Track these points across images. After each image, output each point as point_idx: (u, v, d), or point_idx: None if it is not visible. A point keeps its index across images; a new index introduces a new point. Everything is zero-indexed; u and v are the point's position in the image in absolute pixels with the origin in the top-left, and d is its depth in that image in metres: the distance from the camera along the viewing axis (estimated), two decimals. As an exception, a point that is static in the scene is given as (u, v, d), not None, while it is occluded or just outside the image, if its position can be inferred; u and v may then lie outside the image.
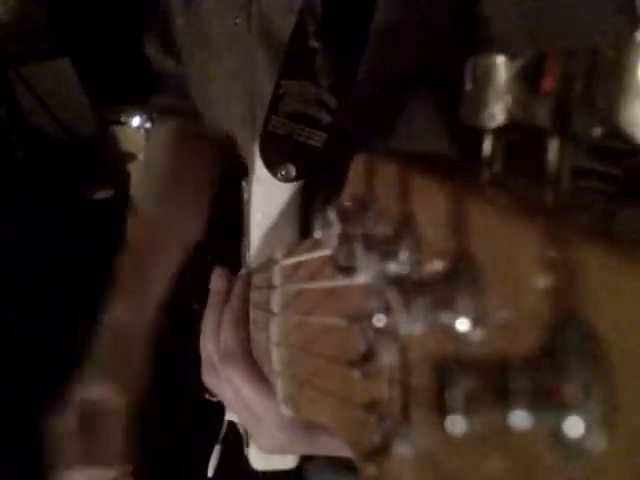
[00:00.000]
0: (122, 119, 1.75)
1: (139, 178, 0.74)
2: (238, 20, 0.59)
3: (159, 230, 0.67)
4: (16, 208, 1.56)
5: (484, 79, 0.17)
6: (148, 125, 1.67)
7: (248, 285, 0.47)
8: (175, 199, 0.70)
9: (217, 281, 0.51)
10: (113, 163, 1.78)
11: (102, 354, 0.61)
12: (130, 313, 0.62)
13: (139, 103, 1.67)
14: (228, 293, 0.48)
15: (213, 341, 0.45)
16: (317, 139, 0.47)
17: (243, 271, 0.55)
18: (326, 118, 0.46)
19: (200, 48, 0.68)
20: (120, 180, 1.75)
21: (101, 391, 0.59)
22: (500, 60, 0.16)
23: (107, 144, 1.77)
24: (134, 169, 1.72)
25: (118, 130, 1.77)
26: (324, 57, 0.47)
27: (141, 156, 1.63)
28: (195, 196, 0.69)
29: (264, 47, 0.57)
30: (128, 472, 0.58)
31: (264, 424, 0.41)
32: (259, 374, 0.41)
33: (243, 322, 0.45)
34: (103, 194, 1.76)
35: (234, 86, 0.63)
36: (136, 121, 1.73)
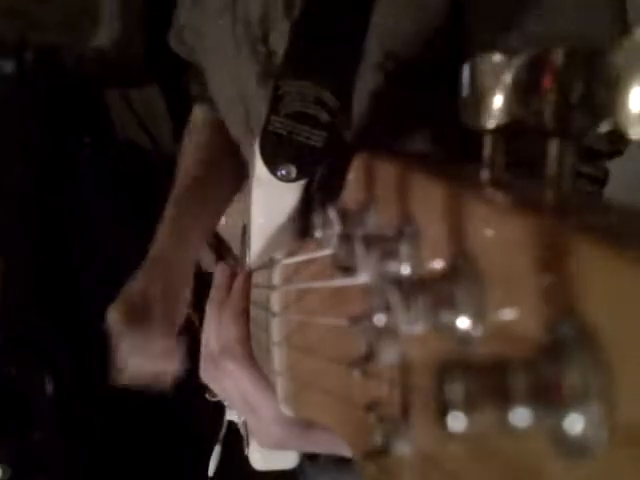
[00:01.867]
0: None
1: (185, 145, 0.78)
2: (221, 22, 0.59)
3: (202, 188, 0.71)
4: (93, 193, 1.59)
5: (484, 79, 0.17)
6: None
7: (249, 281, 0.48)
8: (215, 174, 0.73)
9: (219, 277, 0.52)
10: None
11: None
12: (175, 249, 0.66)
13: None
14: (229, 289, 0.49)
15: (214, 335, 0.46)
16: (317, 139, 0.47)
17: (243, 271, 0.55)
18: (326, 118, 0.46)
19: (198, 48, 0.68)
20: None
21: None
22: (499, 60, 0.16)
23: None
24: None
25: None
26: (324, 57, 0.47)
27: None
28: (226, 179, 0.72)
29: (248, 49, 0.57)
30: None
31: (262, 418, 0.42)
32: (258, 369, 0.42)
33: (243, 317, 0.45)
34: None
35: (226, 87, 0.63)
36: None
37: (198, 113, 0.78)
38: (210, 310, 0.48)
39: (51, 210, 1.57)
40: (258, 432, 0.45)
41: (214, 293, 0.50)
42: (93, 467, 1.50)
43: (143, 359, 0.62)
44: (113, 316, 0.61)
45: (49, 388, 1.46)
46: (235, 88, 0.61)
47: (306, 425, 0.40)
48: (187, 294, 0.65)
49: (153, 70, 1.71)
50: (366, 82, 0.50)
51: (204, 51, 0.67)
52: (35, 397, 1.47)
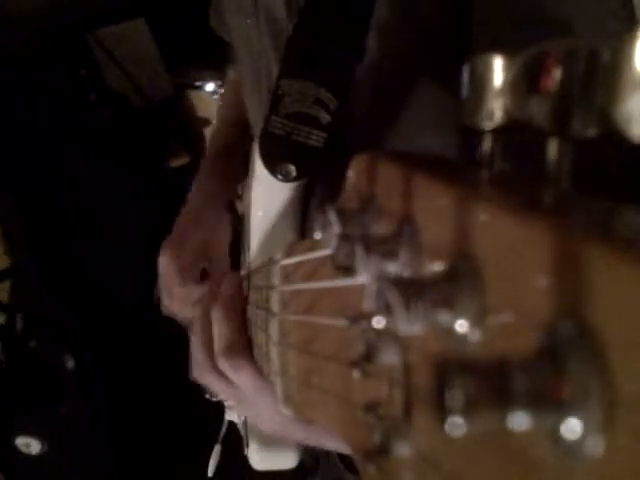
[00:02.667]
0: (197, 84, 1.75)
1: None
2: (249, 20, 0.59)
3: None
4: (95, 170, 1.62)
5: (483, 79, 0.17)
6: (222, 91, 1.70)
7: (237, 280, 0.48)
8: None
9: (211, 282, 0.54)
10: (188, 127, 1.80)
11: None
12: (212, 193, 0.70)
13: (214, 69, 1.68)
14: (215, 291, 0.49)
15: (200, 339, 0.46)
16: (317, 139, 0.47)
17: (243, 271, 0.55)
18: (326, 118, 0.46)
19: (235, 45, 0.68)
20: (195, 145, 1.78)
21: None
22: (499, 60, 0.16)
23: (182, 108, 1.79)
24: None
25: (193, 95, 1.77)
26: (324, 57, 0.47)
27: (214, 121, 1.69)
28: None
29: (274, 46, 0.57)
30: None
31: (264, 413, 0.42)
32: (254, 367, 0.42)
33: (235, 316, 0.45)
34: (179, 162, 1.79)
35: (253, 84, 0.63)
36: (210, 86, 1.73)
37: (231, 73, 0.82)
38: (197, 312, 0.49)
39: (52, 182, 1.58)
40: (260, 420, 0.45)
41: (203, 297, 0.50)
42: (121, 436, 1.53)
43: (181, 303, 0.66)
44: (162, 259, 0.66)
45: (70, 364, 1.50)
46: (259, 84, 0.61)
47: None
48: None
49: (138, 4, 1.67)
50: (366, 82, 0.49)
51: (233, 49, 0.68)
52: (58, 373, 1.51)
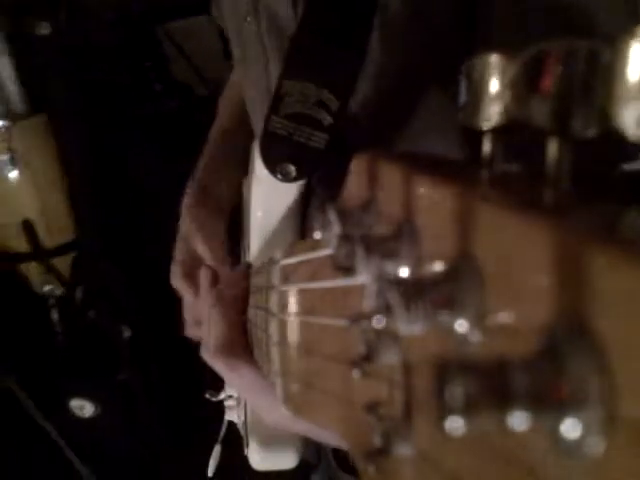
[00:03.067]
0: None
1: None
2: (248, 18, 0.59)
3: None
4: (160, 157, 1.68)
5: (483, 79, 0.17)
6: None
7: (237, 280, 0.48)
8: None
9: (205, 281, 0.54)
10: None
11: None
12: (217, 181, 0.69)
13: None
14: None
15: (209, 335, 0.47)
16: (318, 140, 0.47)
17: (241, 267, 0.55)
18: (327, 119, 0.46)
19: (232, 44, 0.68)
20: None
21: None
22: (499, 60, 0.16)
23: None
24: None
25: None
26: (325, 58, 0.47)
27: None
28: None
29: (275, 46, 0.57)
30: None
31: (264, 403, 0.42)
32: (252, 366, 0.42)
33: (233, 315, 0.45)
34: None
35: (251, 83, 0.63)
36: None
37: (234, 73, 0.82)
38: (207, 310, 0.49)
39: (119, 167, 1.68)
40: (264, 412, 0.45)
41: (205, 293, 0.50)
42: (171, 407, 1.58)
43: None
44: (175, 279, 0.65)
45: (126, 333, 1.58)
46: (259, 83, 0.61)
47: None
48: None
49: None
50: (369, 83, 0.49)
51: (233, 47, 0.68)
52: (115, 342, 1.59)
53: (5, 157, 1.53)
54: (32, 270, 1.66)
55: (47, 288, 1.66)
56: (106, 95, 1.63)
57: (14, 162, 1.54)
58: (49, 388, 1.55)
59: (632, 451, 0.10)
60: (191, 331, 0.65)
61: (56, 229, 1.65)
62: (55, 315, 1.65)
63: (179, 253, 0.66)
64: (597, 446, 0.11)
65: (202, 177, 0.70)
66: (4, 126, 1.52)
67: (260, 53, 0.58)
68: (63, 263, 1.66)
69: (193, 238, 0.65)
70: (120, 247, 1.68)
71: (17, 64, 1.54)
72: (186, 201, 0.68)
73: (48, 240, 1.64)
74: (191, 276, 0.64)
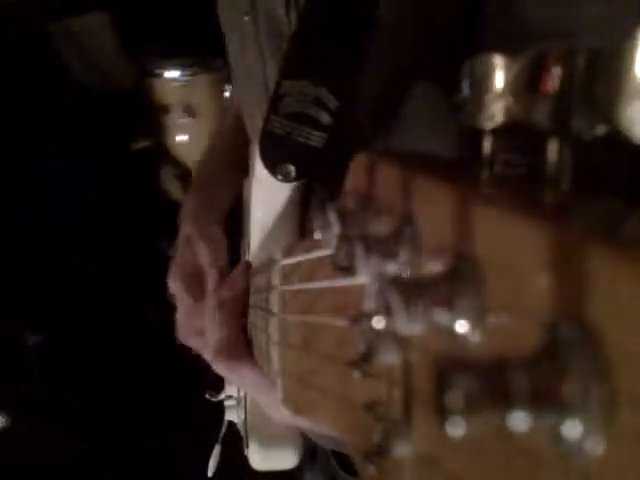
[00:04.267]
0: (159, 72, 1.80)
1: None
2: (246, 18, 0.58)
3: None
4: (60, 155, 1.66)
5: (483, 79, 0.17)
6: (184, 79, 1.77)
7: (240, 280, 0.48)
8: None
9: (212, 281, 0.53)
10: (151, 114, 1.85)
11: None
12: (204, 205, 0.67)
13: (176, 57, 1.75)
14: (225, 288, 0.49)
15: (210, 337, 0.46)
16: (318, 140, 0.47)
17: (240, 266, 0.55)
18: (326, 119, 0.46)
19: (227, 40, 0.68)
20: (157, 131, 1.84)
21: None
22: (499, 60, 0.16)
23: (145, 96, 1.84)
24: (170, 120, 1.82)
25: (155, 82, 1.82)
26: (324, 57, 0.47)
27: (177, 108, 1.77)
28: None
29: (272, 45, 0.57)
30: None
31: (267, 401, 0.42)
32: (253, 367, 0.42)
33: (235, 317, 0.45)
34: (142, 144, 1.84)
35: (249, 82, 0.63)
36: (173, 74, 1.78)
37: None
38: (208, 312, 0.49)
39: (14, 164, 1.63)
40: (269, 408, 0.45)
41: (210, 297, 0.50)
42: (84, 415, 1.53)
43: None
44: (175, 287, 0.64)
45: (32, 339, 1.55)
46: (255, 82, 0.61)
47: None
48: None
49: None
50: (369, 83, 0.49)
51: (229, 44, 0.67)
52: (20, 349, 1.55)
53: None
54: None
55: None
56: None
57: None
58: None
59: (632, 452, 0.10)
60: (190, 341, 0.63)
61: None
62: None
63: (180, 257, 0.66)
64: (597, 447, 0.11)
65: (202, 180, 0.70)
66: None
67: (257, 53, 0.58)
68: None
69: (196, 243, 0.64)
70: (18, 247, 1.62)
71: None
72: (187, 205, 0.67)
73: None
74: (191, 281, 0.63)
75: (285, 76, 0.48)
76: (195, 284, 0.62)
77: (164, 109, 1.81)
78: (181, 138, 1.83)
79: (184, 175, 1.78)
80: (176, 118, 1.80)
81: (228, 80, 1.68)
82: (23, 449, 1.51)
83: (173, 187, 1.82)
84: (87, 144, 1.67)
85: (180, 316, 0.65)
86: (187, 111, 1.78)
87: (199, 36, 1.63)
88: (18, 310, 1.59)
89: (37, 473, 1.48)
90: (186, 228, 0.67)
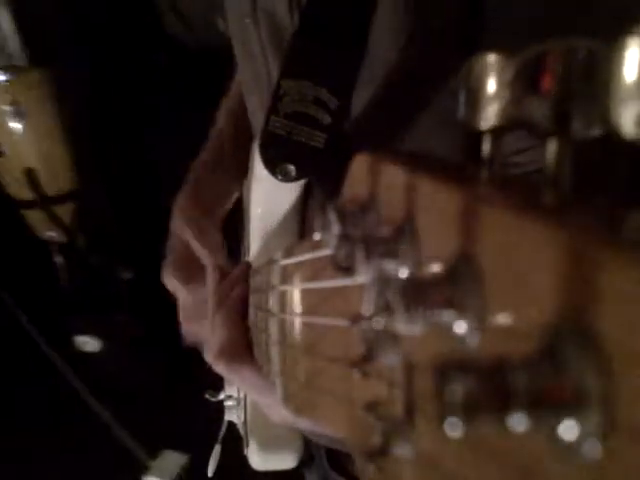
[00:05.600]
0: None
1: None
2: (247, 20, 0.59)
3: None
4: (159, 105, 1.75)
5: (483, 79, 0.17)
6: None
7: (241, 280, 0.48)
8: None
9: (212, 281, 0.53)
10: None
11: None
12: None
13: None
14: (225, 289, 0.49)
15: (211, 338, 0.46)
16: (318, 140, 0.47)
17: (240, 267, 0.55)
18: (326, 119, 0.46)
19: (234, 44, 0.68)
20: None
21: None
22: (499, 60, 0.16)
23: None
24: None
25: None
26: (324, 57, 0.47)
27: None
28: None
29: (273, 45, 0.57)
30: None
31: (267, 402, 0.42)
32: (255, 369, 0.42)
33: (237, 317, 0.45)
34: None
35: (252, 83, 0.63)
36: None
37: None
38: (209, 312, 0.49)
39: (120, 114, 1.77)
40: (269, 410, 0.45)
41: (210, 298, 0.50)
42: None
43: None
44: (170, 281, 0.63)
45: (126, 275, 1.70)
46: (258, 84, 0.61)
47: None
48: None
49: None
50: (369, 83, 0.49)
51: (234, 45, 0.67)
52: (115, 284, 1.71)
53: (9, 109, 1.60)
54: (35, 217, 1.74)
55: (49, 234, 1.74)
56: (105, 47, 1.68)
57: (18, 114, 1.61)
58: (55, 325, 1.66)
59: (630, 453, 0.10)
60: (190, 331, 0.64)
61: (58, 178, 1.72)
62: (59, 259, 1.74)
63: (170, 252, 0.65)
64: (595, 448, 0.11)
65: (197, 178, 0.69)
66: (7, 79, 1.58)
67: (260, 54, 0.58)
68: (65, 211, 1.74)
69: (191, 241, 0.64)
70: (121, 195, 1.74)
71: (17, 17, 1.57)
72: (179, 202, 0.67)
73: (50, 188, 1.71)
74: (185, 274, 0.63)
75: (285, 76, 0.48)
76: (190, 274, 0.62)
77: None
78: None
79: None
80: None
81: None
82: (114, 371, 1.69)
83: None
84: (184, 97, 1.73)
85: (182, 310, 0.65)
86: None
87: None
88: (114, 246, 1.72)
89: (125, 394, 1.62)
90: (178, 226, 0.66)
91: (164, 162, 1.64)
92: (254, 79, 0.61)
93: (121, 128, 1.78)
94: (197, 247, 0.62)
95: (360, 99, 0.49)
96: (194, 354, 0.57)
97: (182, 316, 0.65)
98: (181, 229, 0.65)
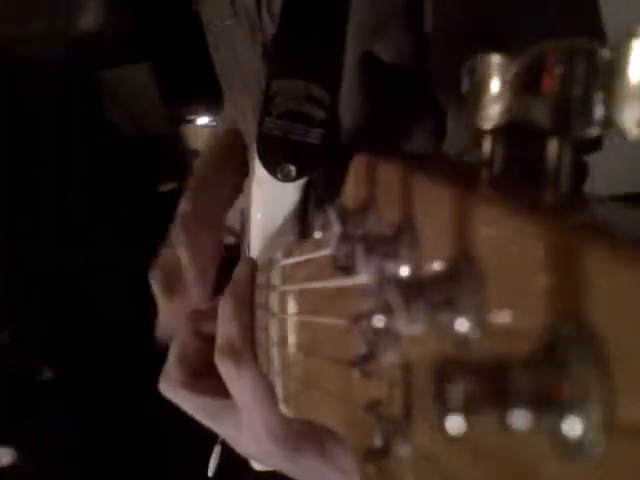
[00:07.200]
0: (191, 118, 1.85)
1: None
2: (229, 22, 0.59)
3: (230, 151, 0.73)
4: (88, 195, 1.68)
5: (483, 79, 0.17)
6: (213, 124, 1.79)
7: (249, 271, 0.47)
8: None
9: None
10: (179, 159, 1.90)
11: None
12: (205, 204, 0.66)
13: (207, 103, 1.78)
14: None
15: (177, 354, 0.45)
16: (314, 136, 0.46)
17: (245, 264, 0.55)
18: (320, 114, 0.46)
19: (214, 46, 0.68)
20: (185, 175, 1.89)
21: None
22: (499, 60, 0.16)
23: (176, 141, 1.90)
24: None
25: (187, 128, 1.88)
26: (309, 53, 0.47)
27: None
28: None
29: (256, 46, 0.57)
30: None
31: (255, 426, 0.39)
32: (259, 370, 0.40)
33: (244, 310, 0.43)
34: (167, 186, 1.88)
35: (242, 86, 0.63)
36: (203, 120, 1.83)
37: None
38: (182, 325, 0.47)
39: (42, 202, 1.62)
40: (242, 439, 0.42)
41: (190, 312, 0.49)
42: (94, 454, 1.54)
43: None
44: (154, 285, 0.63)
45: (48, 375, 1.53)
46: (246, 84, 0.61)
47: (298, 449, 0.38)
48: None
49: (143, 48, 1.72)
50: (350, 78, 0.50)
51: (216, 50, 0.67)
52: (35, 384, 1.53)
53: None
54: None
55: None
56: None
57: None
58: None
59: (632, 451, 0.10)
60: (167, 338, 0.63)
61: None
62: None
63: (163, 256, 0.65)
64: (598, 445, 0.11)
65: (198, 185, 0.69)
66: None
67: (246, 54, 0.58)
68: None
69: (181, 252, 0.63)
70: (44, 286, 1.61)
71: None
72: (181, 209, 0.66)
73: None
74: (168, 280, 0.63)
75: (274, 76, 0.48)
76: (172, 285, 0.62)
77: (194, 154, 1.84)
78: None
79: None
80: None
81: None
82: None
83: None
84: (116, 186, 1.71)
85: (159, 315, 0.65)
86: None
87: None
88: (31, 344, 1.58)
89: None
90: (175, 232, 0.66)
91: (84, 255, 1.61)
92: (243, 80, 0.61)
93: (43, 220, 1.66)
94: (186, 259, 0.62)
95: (353, 98, 0.49)
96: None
97: (160, 320, 0.65)
98: (179, 237, 0.64)
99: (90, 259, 1.65)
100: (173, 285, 0.62)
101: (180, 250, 0.61)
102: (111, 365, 1.50)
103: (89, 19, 1.69)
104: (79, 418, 1.52)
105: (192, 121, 1.84)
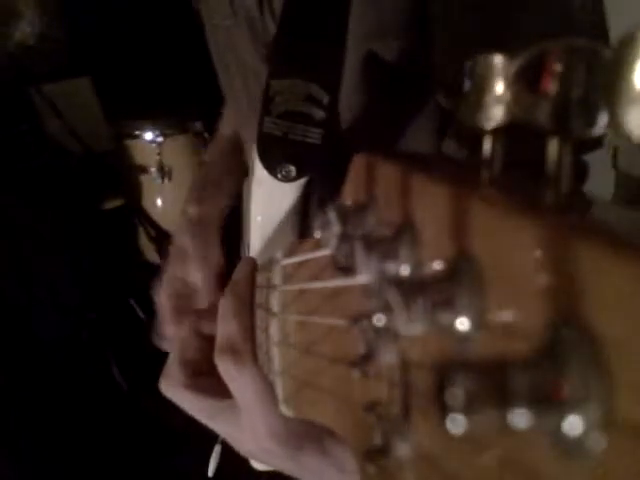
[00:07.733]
0: (136, 133, 1.82)
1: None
2: (228, 22, 0.59)
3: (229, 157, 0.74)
4: (32, 213, 1.66)
5: (483, 79, 0.17)
6: (160, 139, 1.78)
7: (251, 269, 0.46)
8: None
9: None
10: (125, 175, 1.87)
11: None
12: (206, 207, 0.68)
13: (153, 118, 1.78)
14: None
15: (179, 357, 0.45)
16: (314, 136, 0.46)
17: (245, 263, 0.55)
18: (319, 114, 0.46)
19: (214, 45, 0.68)
20: (130, 191, 1.85)
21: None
22: (499, 60, 0.16)
23: (120, 157, 1.86)
24: (145, 181, 1.85)
25: (132, 144, 1.84)
26: (309, 53, 0.47)
27: (153, 169, 1.79)
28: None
29: (255, 46, 0.57)
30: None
31: (256, 427, 0.39)
32: (259, 370, 0.40)
33: (246, 309, 0.43)
34: (113, 204, 1.85)
35: (242, 86, 0.63)
36: (149, 135, 1.80)
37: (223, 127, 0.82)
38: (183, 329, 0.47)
39: None
40: (243, 440, 0.42)
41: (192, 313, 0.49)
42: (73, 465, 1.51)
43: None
44: (160, 300, 0.63)
45: None
46: (244, 84, 0.61)
47: (298, 449, 0.38)
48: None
49: (82, 62, 1.72)
50: (351, 78, 0.50)
51: (217, 50, 0.67)
52: None
53: None
54: None
55: None
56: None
57: None
58: None
59: (632, 450, 0.10)
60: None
61: None
62: None
63: (171, 270, 0.64)
64: (598, 444, 0.11)
65: (201, 189, 0.70)
66: None
67: (246, 54, 0.58)
68: None
69: (191, 261, 0.63)
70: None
71: None
72: (186, 214, 0.67)
73: None
74: (178, 299, 0.62)
75: (273, 76, 0.48)
76: (182, 303, 0.61)
77: (140, 170, 1.82)
78: (156, 200, 1.83)
79: (158, 236, 1.77)
80: (151, 179, 1.81)
81: (205, 143, 1.71)
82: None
83: (147, 248, 1.81)
84: (59, 203, 1.68)
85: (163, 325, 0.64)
86: (162, 172, 1.79)
87: (178, 98, 1.68)
88: None
89: None
90: (182, 239, 0.66)
91: (32, 276, 1.58)
92: (243, 80, 0.61)
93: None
94: (194, 267, 0.62)
95: (353, 97, 0.49)
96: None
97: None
98: (183, 242, 0.65)
99: (30, 278, 1.63)
100: (184, 304, 0.61)
101: (191, 264, 0.62)
102: (61, 389, 1.46)
103: (26, 31, 1.67)
104: (21, 446, 1.48)
105: (138, 136, 1.80)
